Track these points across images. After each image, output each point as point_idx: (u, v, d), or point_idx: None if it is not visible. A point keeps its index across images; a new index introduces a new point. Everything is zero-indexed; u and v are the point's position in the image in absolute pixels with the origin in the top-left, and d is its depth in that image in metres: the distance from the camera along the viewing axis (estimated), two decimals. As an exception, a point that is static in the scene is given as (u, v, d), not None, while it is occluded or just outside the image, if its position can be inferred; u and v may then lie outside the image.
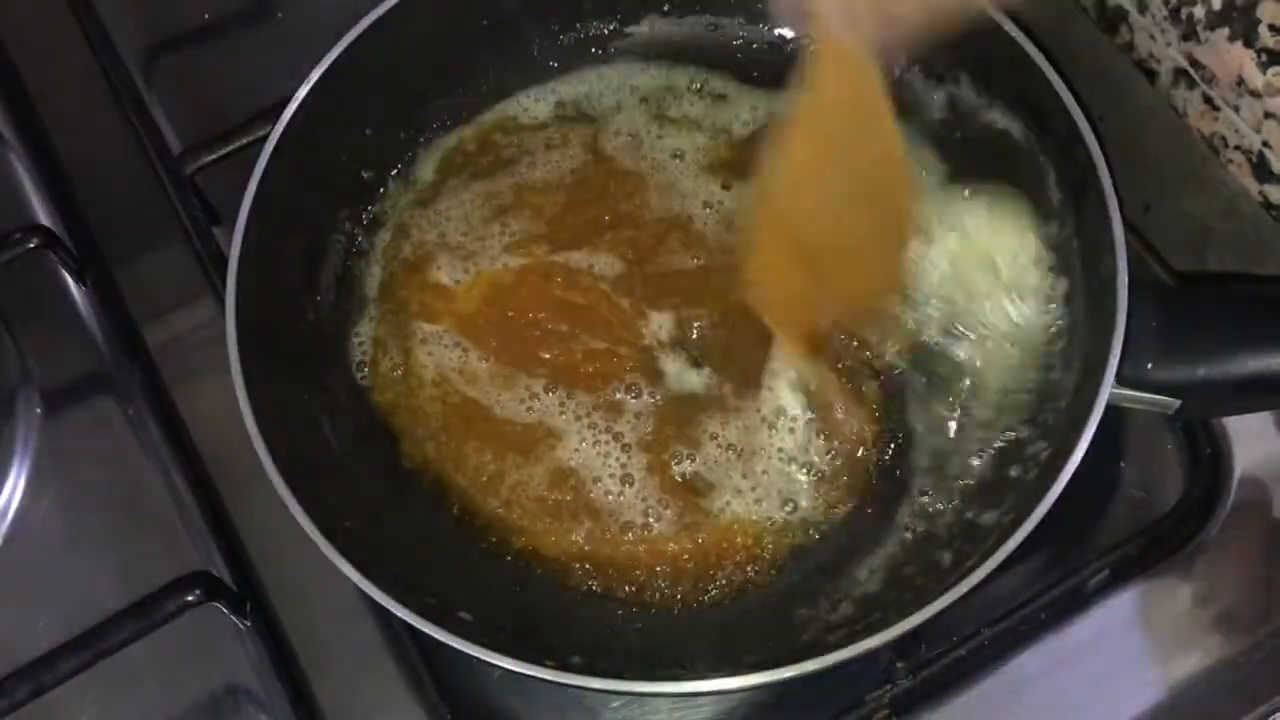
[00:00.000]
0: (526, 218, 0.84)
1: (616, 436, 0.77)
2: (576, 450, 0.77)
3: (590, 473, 0.77)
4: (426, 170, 0.88)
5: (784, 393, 0.78)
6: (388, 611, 0.66)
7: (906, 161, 0.72)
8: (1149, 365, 0.68)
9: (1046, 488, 0.65)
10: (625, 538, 0.75)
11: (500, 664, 0.64)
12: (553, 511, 0.76)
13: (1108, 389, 0.67)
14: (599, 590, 0.75)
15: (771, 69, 0.87)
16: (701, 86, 0.89)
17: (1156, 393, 0.68)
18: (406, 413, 0.80)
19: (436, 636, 0.64)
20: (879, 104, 0.66)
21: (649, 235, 0.83)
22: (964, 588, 0.63)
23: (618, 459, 0.77)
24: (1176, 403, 0.68)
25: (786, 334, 0.78)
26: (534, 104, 0.90)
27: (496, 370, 0.80)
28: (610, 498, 0.76)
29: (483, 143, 0.88)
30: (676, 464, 0.77)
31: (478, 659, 0.64)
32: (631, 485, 0.76)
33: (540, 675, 0.64)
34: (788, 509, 0.76)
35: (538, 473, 0.77)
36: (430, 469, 0.78)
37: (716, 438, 0.77)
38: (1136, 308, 0.68)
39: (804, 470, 0.76)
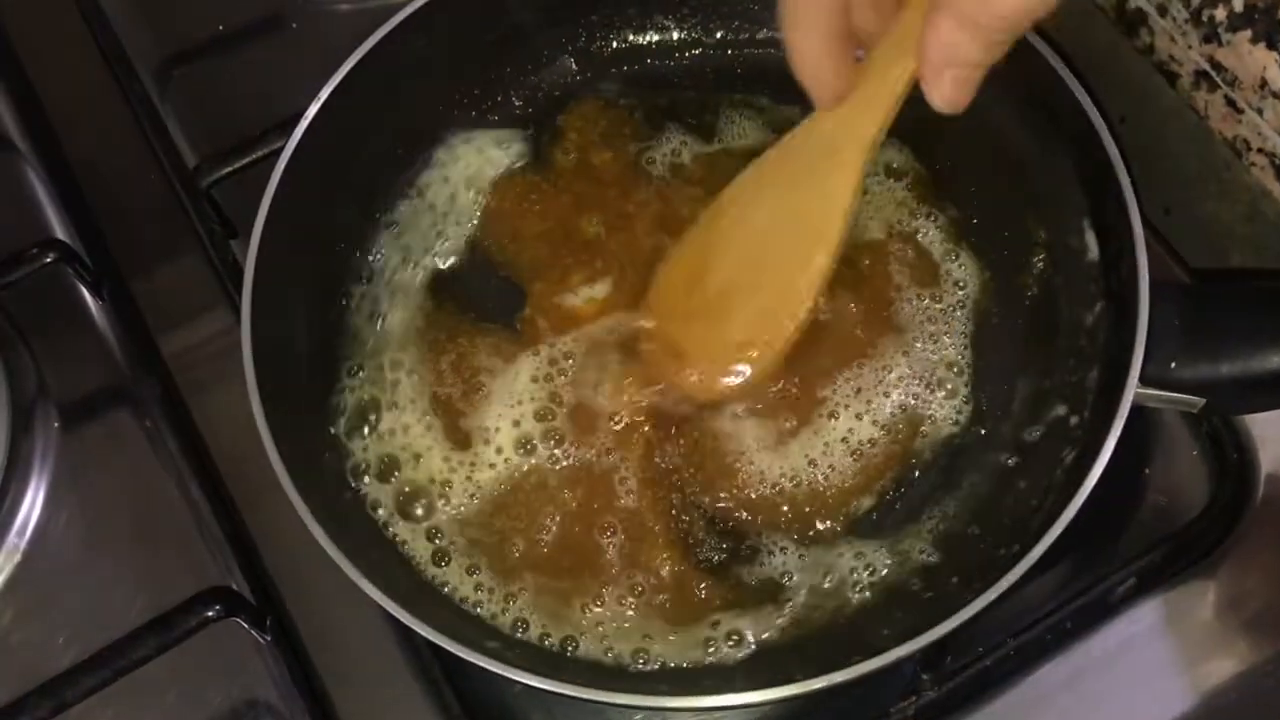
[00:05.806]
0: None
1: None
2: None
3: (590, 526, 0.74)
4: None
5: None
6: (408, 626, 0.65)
7: (843, 225, 0.67)
8: (1172, 364, 0.67)
9: (1074, 490, 0.65)
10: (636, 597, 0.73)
11: (528, 682, 0.63)
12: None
13: (1132, 389, 0.66)
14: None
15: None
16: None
17: (1181, 391, 0.67)
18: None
19: (463, 656, 0.64)
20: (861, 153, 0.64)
21: None
22: (993, 594, 0.63)
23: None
24: (1201, 401, 0.68)
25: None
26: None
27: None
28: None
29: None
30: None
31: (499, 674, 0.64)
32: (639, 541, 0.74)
33: (567, 692, 0.63)
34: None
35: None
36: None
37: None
38: (1158, 306, 0.67)
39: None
